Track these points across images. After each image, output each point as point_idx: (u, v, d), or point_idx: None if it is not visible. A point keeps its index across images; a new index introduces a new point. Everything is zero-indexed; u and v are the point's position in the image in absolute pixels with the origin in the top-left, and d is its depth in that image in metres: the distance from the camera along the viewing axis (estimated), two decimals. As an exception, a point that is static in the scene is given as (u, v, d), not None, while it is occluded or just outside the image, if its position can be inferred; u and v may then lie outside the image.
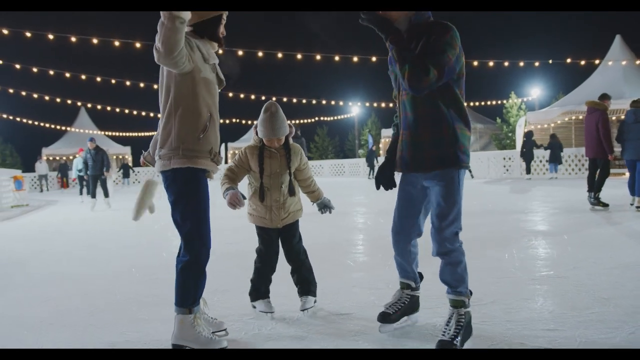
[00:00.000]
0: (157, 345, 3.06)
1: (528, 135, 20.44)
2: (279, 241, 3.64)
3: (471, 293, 2.95)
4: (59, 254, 6.75)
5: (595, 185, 9.09)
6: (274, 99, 25.33)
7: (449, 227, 2.81)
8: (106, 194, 14.04)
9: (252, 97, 25.49)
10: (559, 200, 10.99)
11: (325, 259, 5.32)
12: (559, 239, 6.19)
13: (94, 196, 13.95)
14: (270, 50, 16.59)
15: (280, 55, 16.76)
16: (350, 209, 10.93)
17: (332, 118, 46.55)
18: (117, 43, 15.50)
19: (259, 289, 3.60)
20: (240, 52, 16.03)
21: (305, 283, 3.66)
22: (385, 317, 3.13)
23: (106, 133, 38.91)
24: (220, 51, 3.22)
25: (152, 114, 30.21)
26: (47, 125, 31.36)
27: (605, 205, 8.95)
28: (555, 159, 19.32)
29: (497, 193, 14.33)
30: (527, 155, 19.98)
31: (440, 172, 2.82)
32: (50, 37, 15.89)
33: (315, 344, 2.96)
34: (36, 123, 28.92)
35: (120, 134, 40.21)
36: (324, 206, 3.75)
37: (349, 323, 3.31)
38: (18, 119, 28.49)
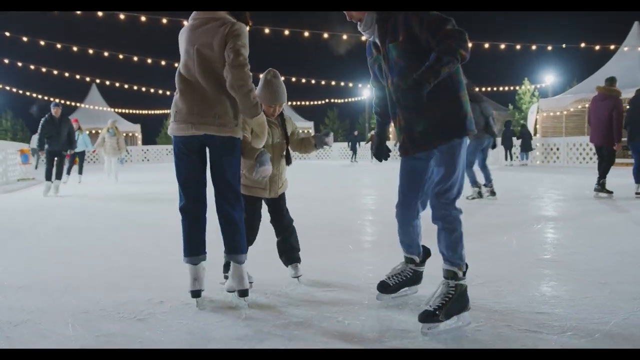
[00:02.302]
0: (137, 313, 2.97)
1: (507, 124, 22.00)
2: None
3: (467, 267, 2.83)
4: (53, 228, 6.71)
5: (600, 173, 8.91)
6: (282, 78, 25.35)
7: (446, 192, 2.76)
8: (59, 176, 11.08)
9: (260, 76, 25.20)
10: (567, 187, 10.80)
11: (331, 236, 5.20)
12: (561, 224, 6.02)
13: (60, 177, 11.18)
14: (276, 27, 16.33)
15: (287, 32, 16.51)
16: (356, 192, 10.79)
17: (342, 100, 46.22)
18: (122, 16, 15.29)
19: None
20: (267, 30, 15.78)
21: (295, 251, 3.67)
22: (385, 288, 3.16)
23: (116, 110, 38.85)
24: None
25: (160, 92, 30.03)
26: (57, 100, 31.33)
27: (610, 192, 8.74)
28: (526, 148, 21.08)
29: (505, 178, 14.12)
30: (506, 143, 21.45)
31: (445, 145, 2.78)
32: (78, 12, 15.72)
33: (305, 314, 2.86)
34: (46, 98, 28.86)
35: (131, 111, 40.15)
36: (321, 142, 3.63)
37: (329, 295, 3.20)
38: (28, 93, 28.49)
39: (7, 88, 27.70)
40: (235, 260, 3.17)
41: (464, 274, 2.81)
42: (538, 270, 3.84)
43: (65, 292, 3.48)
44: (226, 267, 3.45)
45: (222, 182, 3.15)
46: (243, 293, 3.15)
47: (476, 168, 8.86)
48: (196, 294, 3.18)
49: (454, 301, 2.72)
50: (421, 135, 2.84)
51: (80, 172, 14.65)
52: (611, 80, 9.03)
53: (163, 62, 21.51)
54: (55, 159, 10.77)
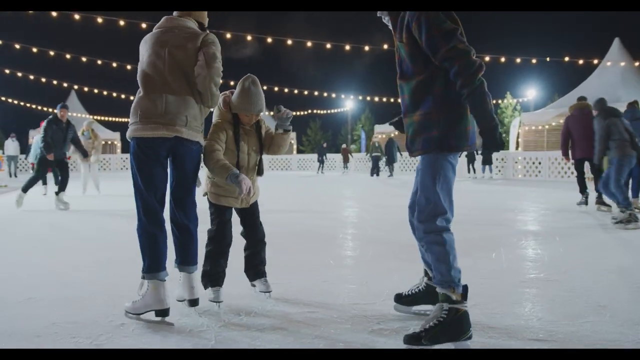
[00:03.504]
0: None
1: None
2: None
3: (465, 289, 2.60)
4: (14, 239, 6.33)
5: (597, 187, 8.68)
6: (264, 88, 25.13)
7: (424, 211, 2.63)
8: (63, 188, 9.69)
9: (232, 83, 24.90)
10: (551, 201, 10.66)
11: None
12: (550, 240, 5.82)
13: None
14: (260, 34, 16.09)
15: (270, 40, 16.27)
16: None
17: (325, 111, 46.02)
18: (100, 20, 14.89)
19: (213, 277, 3.26)
20: (228, 35, 15.50)
21: (263, 265, 3.46)
22: (398, 298, 3.05)
23: (96, 117, 38.16)
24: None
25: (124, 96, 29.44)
26: (35, 106, 30.64)
27: (609, 206, 8.60)
28: (487, 161, 21.73)
29: (488, 192, 14.00)
30: (469, 157, 22.11)
31: (426, 156, 2.65)
32: (54, 14, 15.30)
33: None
34: (22, 104, 28.19)
35: (111, 118, 39.46)
36: (281, 122, 3.35)
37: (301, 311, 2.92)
38: (3, 98, 27.77)
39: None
40: (189, 271, 3.11)
41: (463, 296, 2.57)
42: (531, 291, 3.61)
43: (25, 309, 3.15)
44: (212, 281, 3.23)
45: (183, 190, 3.07)
46: (194, 302, 3.09)
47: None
48: (166, 312, 2.93)
49: (446, 326, 2.49)
50: (409, 140, 2.73)
51: (45, 182, 12.24)
52: (582, 98, 9.36)
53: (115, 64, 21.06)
54: (57, 168, 9.53)
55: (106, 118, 38.95)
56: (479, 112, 2.45)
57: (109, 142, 36.84)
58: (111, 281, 3.89)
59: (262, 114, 3.34)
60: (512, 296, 3.46)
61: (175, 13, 3.14)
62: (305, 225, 7.36)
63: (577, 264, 4.49)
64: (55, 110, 9.48)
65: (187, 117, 2.97)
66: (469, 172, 22.54)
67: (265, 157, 33.75)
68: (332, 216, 8.43)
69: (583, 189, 9.08)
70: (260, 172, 3.40)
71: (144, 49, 3.05)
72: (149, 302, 2.91)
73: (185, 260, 3.11)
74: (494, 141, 2.44)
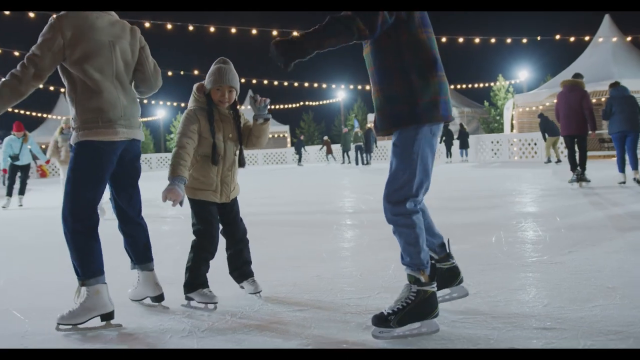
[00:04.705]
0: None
1: (445, 125, 22.07)
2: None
3: (432, 271, 2.47)
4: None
5: (580, 163, 9.02)
6: (254, 81, 24.53)
7: (395, 193, 2.45)
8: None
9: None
10: (549, 182, 10.51)
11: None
12: (551, 220, 5.64)
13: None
14: (244, 26, 15.76)
15: (254, 31, 15.94)
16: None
17: (317, 103, 45.71)
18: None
19: (200, 277, 3.04)
20: (212, 29, 15.20)
21: (248, 265, 3.23)
22: None
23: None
24: None
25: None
26: (23, 112, 30.28)
27: (588, 180, 8.95)
28: (463, 146, 23.04)
29: (485, 177, 13.84)
30: (447, 142, 23.34)
31: (398, 132, 2.45)
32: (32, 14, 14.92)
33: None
34: (9, 110, 27.71)
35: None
36: (257, 111, 3.14)
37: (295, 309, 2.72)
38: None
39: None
40: (149, 269, 3.08)
41: (431, 278, 2.45)
42: (535, 275, 3.42)
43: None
44: (202, 284, 3.02)
45: (134, 189, 3.04)
46: (159, 298, 3.06)
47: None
48: (112, 315, 2.77)
49: (413, 308, 2.41)
50: (375, 118, 2.57)
51: (22, 191, 10.93)
52: (577, 75, 9.36)
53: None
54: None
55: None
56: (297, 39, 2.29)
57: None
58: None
59: (242, 110, 3.17)
60: (514, 282, 3.27)
61: None
62: (296, 217, 7.16)
63: (581, 244, 4.30)
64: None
65: (138, 116, 2.97)
66: (447, 157, 23.56)
67: (261, 152, 33.97)
68: (327, 207, 8.23)
69: (573, 167, 9.12)
70: (241, 163, 3.20)
71: (88, 37, 2.85)
72: (92, 307, 2.70)
73: (146, 258, 3.07)
74: (284, 50, 2.27)
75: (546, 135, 17.10)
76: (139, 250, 3.06)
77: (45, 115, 35.31)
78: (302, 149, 30.21)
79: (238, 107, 3.19)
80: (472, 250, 4.26)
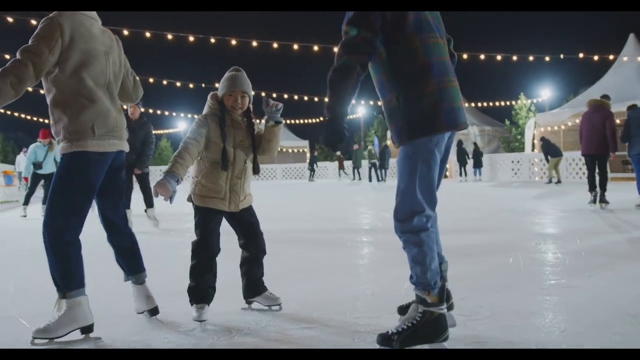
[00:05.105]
0: None
1: (459, 144, 23.51)
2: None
3: (441, 292, 2.39)
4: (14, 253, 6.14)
5: (601, 185, 8.91)
6: (274, 94, 24.62)
7: (401, 209, 2.41)
8: (150, 203, 7.50)
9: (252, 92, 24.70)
10: (569, 203, 10.30)
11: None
12: (571, 242, 5.49)
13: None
14: (265, 40, 15.83)
15: (275, 45, 15.98)
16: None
17: (338, 119, 45.52)
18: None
19: (205, 291, 2.96)
20: (233, 42, 15.33)
21: (262, 280, 3.19)
22: (400, 309, 2.82)
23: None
24: None
25: (151, 110, 29.47)
26: (47, 120, 30.75)
27: (607, 202, 8.85)
28: (477, 165, 23.26)
29: (505, 196, 13.65)
30: (461, 161, 23.65)
31: (400, 147, 2.45)
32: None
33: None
34: (35, 119, 28.28)
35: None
36: (270, 115, 3.10)
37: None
38: (16, 114, 27.94)
39: (-5, 109, 27.22)
40: (140, 281, 3.03)
41: (440, 299, 2.37)
42: (552, 299, 3.30)
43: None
44: (196, 297, 2.93)
45: (119, 199, 3.00)
46: (154, 311, 3.00)
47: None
48: (92, 328, 2.70)
49: (418, 329, 2.35)
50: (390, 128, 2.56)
51: (45, 201, 9.55)
52: (604, 97, 9.32)
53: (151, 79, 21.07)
54: (134, 176, 7.56)
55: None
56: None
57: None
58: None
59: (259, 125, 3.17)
60: (531, 305, 3.16)
61: None
62: (311, 232, 7.10)
63: (601, 267, 4.16)
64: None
65: (125, 128, 2.95)
66: (460, 175, 23.65)
67: (280, 166, 34.01)
68: (343, 224, 8.16)
69: (592, 187, 9.01)
70: (255, 170, 3.14)
71: (81, 43, 2.74)
72: (73, 319, 2.63)
73: (138, 268, 3.03)
74: (327, 133, 2.35)
75: (549, 157, 18.12)
76: (130, 260, 3.02)
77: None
78: (315, 165, 30.37)
79: (252, 116, 3.16)
80: (489, 271, 4.15)
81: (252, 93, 3.13)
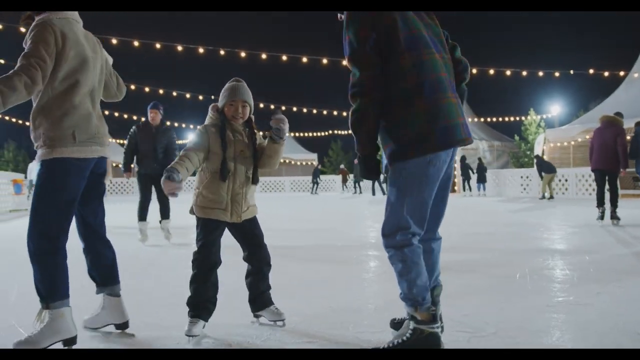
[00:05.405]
0: None
1: (462, 159, 23.56)
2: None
3: (430, 310, 2.38)
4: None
5: (612, 201, 8.91)
6: (283, 107, 24.67)
7: (386, 225, 2.48)
8: (166, 214, 7.11)
9: (261, 105, 24.82)
10: (579, 219, 10.19)
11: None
12: (580, 259, 5.41)
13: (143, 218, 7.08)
14: (275, 52, 15.91)
15: (285, 57, 16.03)
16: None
17: (346, 132, 45.79)
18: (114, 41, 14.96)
19: (202, 304, 2.90)
20: (243, 54, 15.42)
21: (268, 292, 3.15)
22: (392, 323, 2.89)
23: (117, 141, 38.21)
24: None
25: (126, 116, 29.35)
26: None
27: (618, 219, 8.81)
28: (481, 180, 23.29)
29: (512, 211, 13.54)
30: (465, 175, 23.72)
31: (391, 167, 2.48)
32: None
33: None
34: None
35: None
36: (276, 129, 3.04)
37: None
38: (27, 123, 28.06)
39: (7, 118, 27.51)
40: (115, 293, 2.95)
41: (431, 317, 2.36)
42: (560, 316, 3.23)
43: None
44: (191, 310, 2.87)
45: (100, 206, 2.96)
46: (124, 326, 2.94)
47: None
48: (75, 340, 2.66)
49: (408, 346, 2.33)
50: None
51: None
52: (618, 114, 9.35)
53: (133, 87, 21.16)
54: (153, 186, 6.99)
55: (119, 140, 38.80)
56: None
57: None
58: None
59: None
60: (537, 323, 3.09)
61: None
62: (316, 247, 7.05)
63: (610, 285, 4.08)
64: (147, 112, 7.27)
65: (107, 134, 2.90)
66: (463, 189, 23.92)
67: (288, 179, 34.10)
68: (348, 237, 8.11)
69: (600, 203, 9.00)
70: (254, 180, 3.07)
71: (71, 45, 2.70)
72: (56, 331, 2.59)
73: (113, 277, 2.97)
74: (361, 170, 2.50)
75: (543, 174, 18.84)
76: (106, 270, 2.94)
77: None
78: (318, 178, 30.57)
79: (254, 125, 3.13)
80: (494, 287, 4.09)
81: (253, 103, 3.13)
